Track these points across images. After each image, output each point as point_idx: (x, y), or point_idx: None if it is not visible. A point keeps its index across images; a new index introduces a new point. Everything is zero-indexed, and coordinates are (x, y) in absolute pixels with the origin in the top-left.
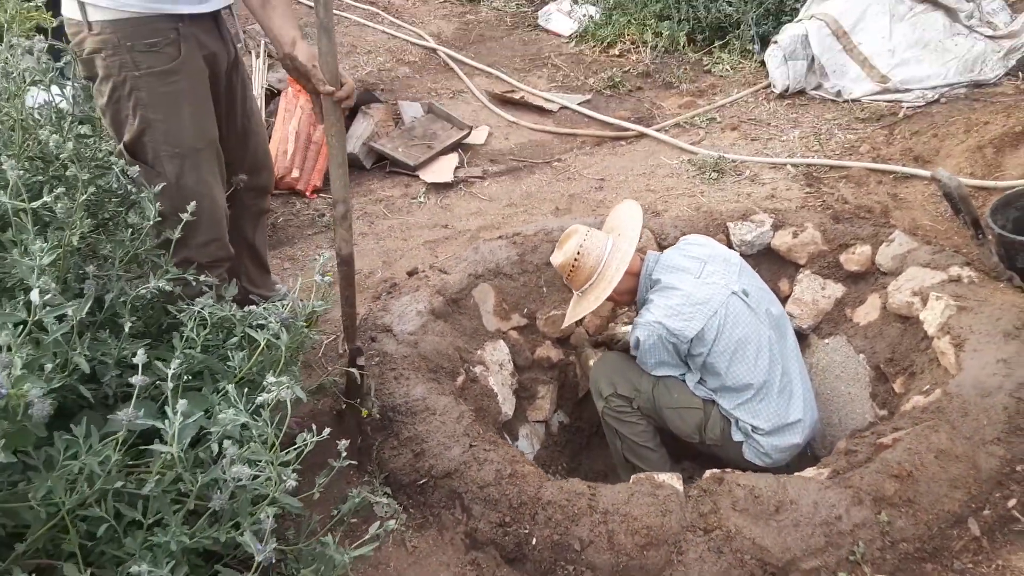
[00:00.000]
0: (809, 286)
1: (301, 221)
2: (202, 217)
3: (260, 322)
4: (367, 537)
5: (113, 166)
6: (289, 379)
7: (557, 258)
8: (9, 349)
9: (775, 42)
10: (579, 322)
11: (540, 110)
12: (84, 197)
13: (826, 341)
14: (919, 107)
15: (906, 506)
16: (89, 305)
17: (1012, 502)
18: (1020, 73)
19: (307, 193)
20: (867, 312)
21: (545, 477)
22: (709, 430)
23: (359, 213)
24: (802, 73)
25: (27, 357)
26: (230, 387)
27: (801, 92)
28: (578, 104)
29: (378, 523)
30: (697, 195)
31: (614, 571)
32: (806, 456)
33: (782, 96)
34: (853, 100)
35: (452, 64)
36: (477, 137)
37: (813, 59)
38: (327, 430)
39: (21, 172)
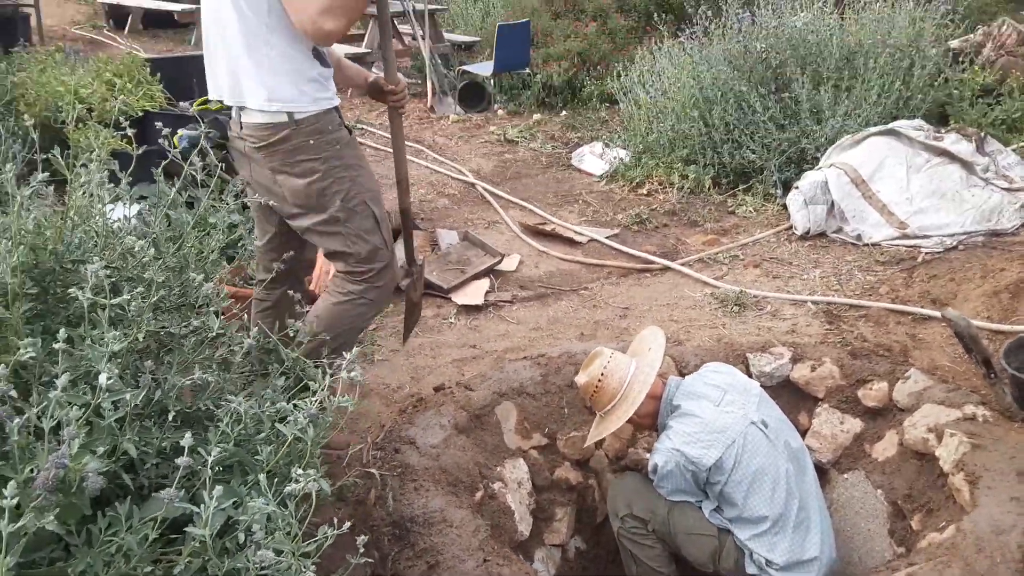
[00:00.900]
0: (828, 420)
1: None
2: (388, 247)
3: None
4: None
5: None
6: (315, 472)
7: (581, 378)
8: (74, 425)
9: (796, 187)
10: (599, 445)
11: (570, 242)
12: (155, 298)
13: (846, 476)
14: (937, 253)
15: None
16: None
17: None
18: None
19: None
20: (885, 448)
21: None
22: (723, 560)
23: (391, 331)
24: (822, 217)
25: (84, 438)
26: (261, 476)
27: (822, 235)
28: (606, 237)
29: None
30: (719, 327)
31: None
32: None
33: (803, 238)
34: (873, 244)
35: (489, 197)
36: (509, 264)
37: (833, 204)
38: (348, 524)
39: (103, 273)
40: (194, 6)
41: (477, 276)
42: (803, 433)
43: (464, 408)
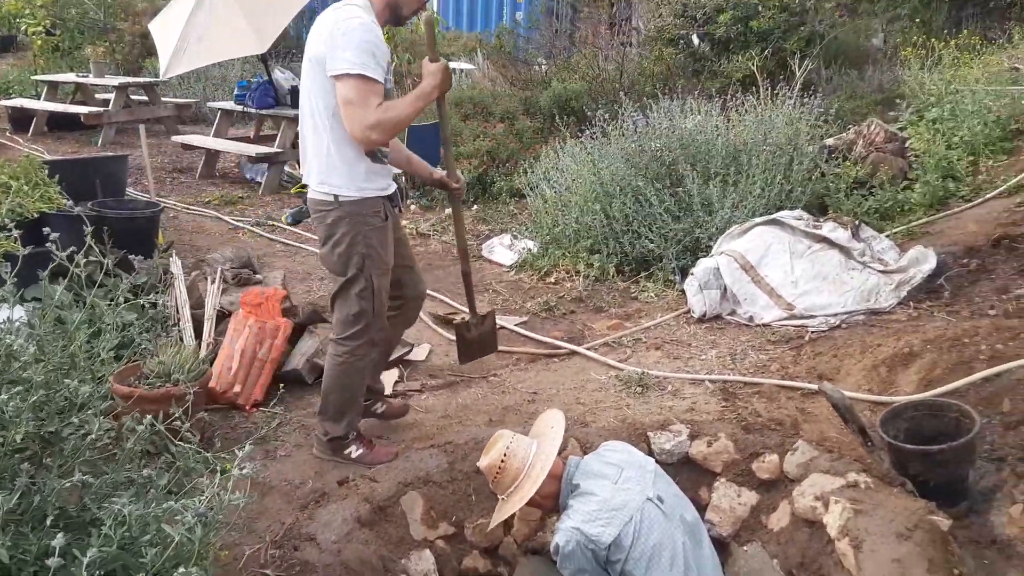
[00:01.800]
0: (726, 493)
1: (237, 434)
2: (379, 313)
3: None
4: None
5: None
6: (199, 571)
7: (484, 461)
8: None
9: (692, 274)
10: (507, 530)
11: None
12: (34, 399)
13: (745, 548)
14: (823, 331)
15: None
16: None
17: None
18: (911, 302)
19: (247, 407)
20: (779, 518)
21: None
22: None
23: (296, 426)
24: (717, 300)
25: None
26: None
27: (718, 317)
28: (515, 324)
29: None
30: (623, 408)
31: None
32: None
33: (701, 320)
34: (764, 324)
35: None
36: (419, 354)
37: (726, 288)
38: None
39: None
40: (101, 109)
41: (386, 367)
42: (704, 508)
43: (368, 500)
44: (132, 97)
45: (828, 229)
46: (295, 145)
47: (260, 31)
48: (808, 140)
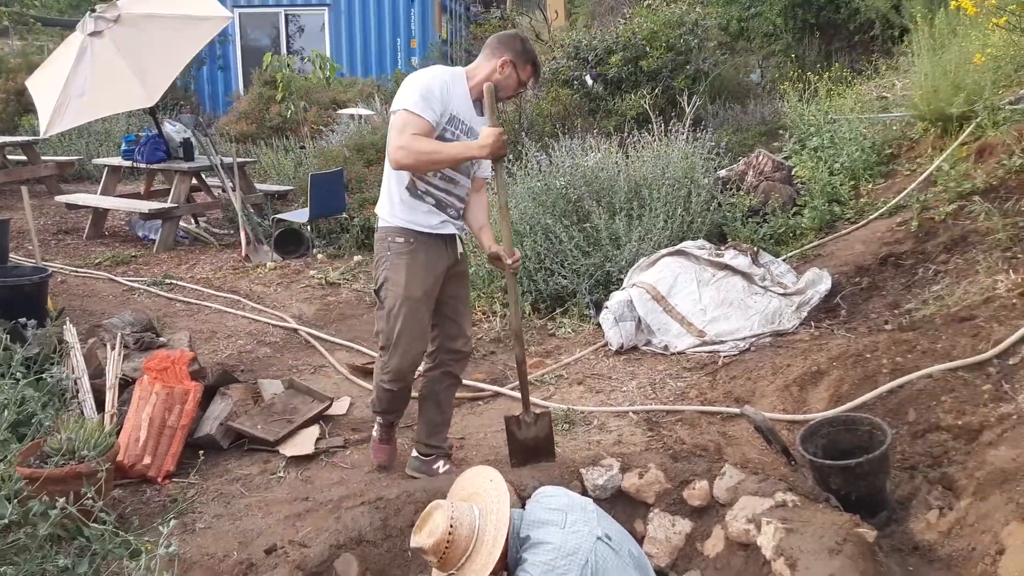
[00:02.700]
0: (660, 524)
1: (151, 509)
2: (400, 341)
3: None
4: None
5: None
6: None
7: (426, 539)
8: None
9: (607, 307)
10: None
11: None
12: None
13: None
14: (734, 356)
15: None
16: None
17: None
18: (812, 322)
19: (159, 479)
20: (714, 544)
21: None
22: None
23: (214, 495)
24: (632, 332)
25: None
26: None
27: (634, 348)
28: None
29: None
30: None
31: None
32: None
33: (618, 352)
34: (679, 352)
35: (313, 341)
36: (339, 408)
37: (640, 320)
38: None
39: None
40: None
41: (305, 424)
42: (640, 540)
43: (300, 567)
44: (9, 157)
45: (730, 257)
46: (189, 199)
47: (147, 84)
48: (703, 173)
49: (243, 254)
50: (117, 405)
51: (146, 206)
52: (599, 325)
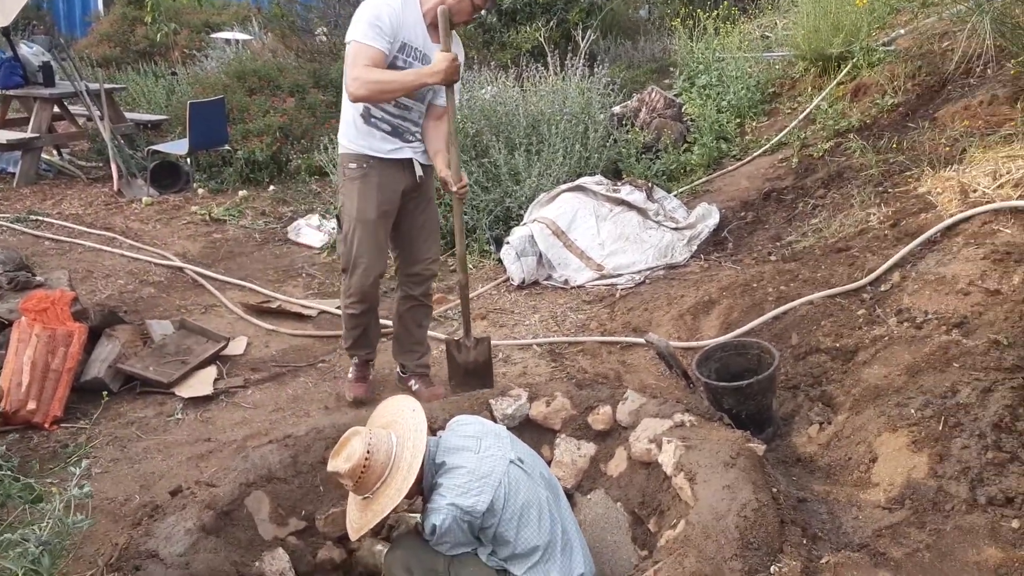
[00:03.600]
0: (567, 448)
1: (41, 456)
2: (359, 263)
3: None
4: None
5: None
6: None
7: (343, 464)
8: None
9: (508, 243)
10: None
11: (299, 316)
12: None
13: (589, 496)
14: (631, 288)
15: None
16: None
17: None
18: (702, 255)
19: (46, 425)
20: (617, 464)
21: None
22: None
23: (108, 439)
24: (533, 267)
25: None
26: None
27: (536, 283)
28: (336, 308)
29: None
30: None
31: None
32: None
33: (520, 287)
34: (579, 286)
35: (201, 280)
36: (236, 348)
37: (541, 255)
38: None
39: None
40: None
41: (201, 365)
42: (548, 464)
43: (210, 507)
44: None
45: (626, 192)
46: (52, 129)
47: (2, 3)
48: (599, 109)
49: (115, 188)
50: None
51: (3, 136)
52: (500, 261)
